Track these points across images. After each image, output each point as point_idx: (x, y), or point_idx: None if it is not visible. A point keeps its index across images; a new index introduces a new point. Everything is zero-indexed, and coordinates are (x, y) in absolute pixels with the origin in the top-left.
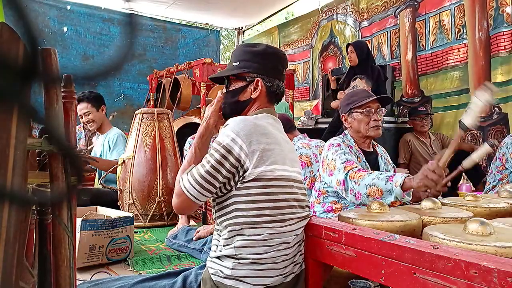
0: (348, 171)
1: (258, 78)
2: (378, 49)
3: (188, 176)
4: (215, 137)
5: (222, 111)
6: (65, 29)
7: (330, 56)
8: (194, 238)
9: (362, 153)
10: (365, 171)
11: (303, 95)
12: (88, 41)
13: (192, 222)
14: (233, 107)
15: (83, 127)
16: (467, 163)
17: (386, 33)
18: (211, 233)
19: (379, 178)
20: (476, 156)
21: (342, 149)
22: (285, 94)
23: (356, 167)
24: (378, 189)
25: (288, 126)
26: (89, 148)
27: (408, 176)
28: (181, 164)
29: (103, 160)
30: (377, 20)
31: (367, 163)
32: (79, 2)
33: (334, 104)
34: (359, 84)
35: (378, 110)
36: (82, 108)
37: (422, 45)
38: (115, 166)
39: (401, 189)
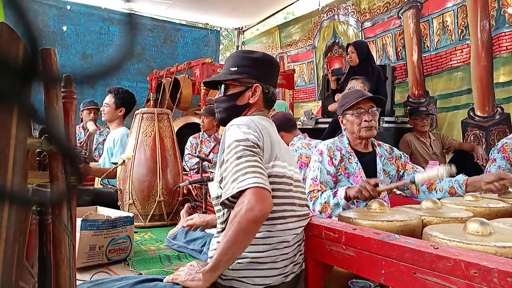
0: (311, 191)
1: (257, 84)
2: (383, 50)
3: (234, 184)
4: (217, 135)
5: (219, 116)
6: (64, 28)
7: (335, 57)
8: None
9: (354, 155)
10: (322, 191)
11: (310, 96)
12: (87, 40)
13: None
14: (230, 111)
15: (83, 127)
16: (419, 179)
17: (390, 34)
18: (207, 224)
19: (327, 195)
20: (427, 176)
21: (320, 161)
22: (285, 94)
23: (317, 189)
24: (327, 205)
25: (289, 124)
26: (86, 137)
27: (348, 187)
28: (181, 164)
29: (98, 168)
30: (380, 21)
31: (358, 164)
32: (79, 2)
33: (331, 107)
34: (355, 85)
35: (370, 110)
36: (106, 99)
37: (427, 46)
38: (110, 170)
39: (345, 200)
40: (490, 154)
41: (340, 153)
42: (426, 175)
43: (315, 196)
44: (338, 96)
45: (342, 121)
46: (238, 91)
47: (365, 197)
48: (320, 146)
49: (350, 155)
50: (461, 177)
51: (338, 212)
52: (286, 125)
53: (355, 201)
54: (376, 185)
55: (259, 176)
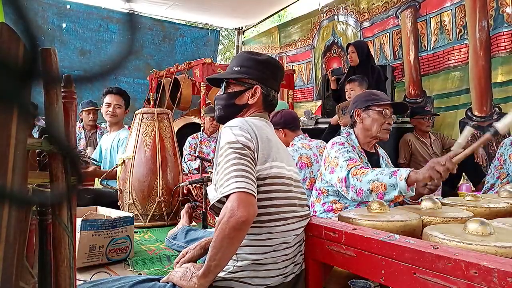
0: (351, 168)
1: (257, 86)
2: (381, 49)
3: (220, 189)
4: (216, 137)
5: (217, 113)
6: (63, 25)
7: (334, 57)
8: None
9: (364, 154)
10: (368, 168)
11: (308, 96)
12: (86, 37)
13: (192, 222)
14: (229, 109)
15: (83, 127)
16: (502, 127)
17: (387, 34)
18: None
19: (382, 173)
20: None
21: (346, 147)
22: (283, 93)
23: (359, 164)
24: (381, 184)
25: (294, 124)
26: (88, 150)
27: (413, 170)
28: (181, 165)
29: (98, 170)
30: (378, 21)
31: (369, 164)
32: (78, 2)
33: (334, 120)
34: (353, 87)
35: (391, 115)
36: (116, 99)
37: (424, 45)
38: (109, 171)
39: (406, 183)
40: (499, 149)
41: (354, 149)
42: (508, 119)
43: (362, 173)
44: (338, 108)
45: (359, 115)
46: (238, 90)
47: (439, 173)
48: (336, 139)
49: (362, 154)
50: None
51: (392, 196)
52: (290, 123)
53: (418, 187)
54: (450, 158)
55: (243, 180)
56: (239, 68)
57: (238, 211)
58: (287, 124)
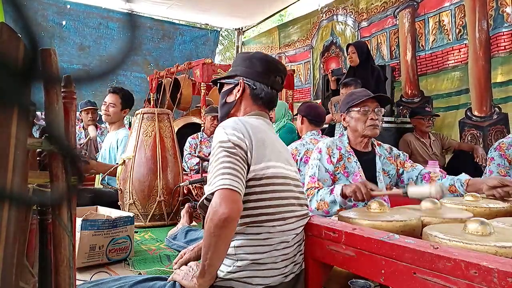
0: (308, 188)
1: (242, 80)
2: (378, 49)
3: (209, 187)
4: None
5: (218, 115)
6: (63, 22)
7: (332, 57)
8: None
9: (353, 154)
10: (319, 188)
11: (306, 96)
12: (86, 33)
13: (193, 222)
14: (222, 108)
15: (83, 127)
16: (412, 192)
17: (385, 33)
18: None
19: (323, 193)
20: (419, 192)
21: (319, 159)
22: (285, 94)
23: (313, 187)
24: (324, 202)
25: (314, 117)
26: (86, 140)
27: (345, 184)
28: (181, 164)
29: (101, 163)
30: (376, 21)
31: (358, 163)
32: (78, 2)
33: (328, 118)
34: (348, 91)
35: (376, 110)
36: (111, 99)
37: (422, 45)
38: (114, 167)
39: (342, 197)
40: (488, 154)
41: (339, 152)
42: (419, 190)
43: (311, 194)
44: (331, 104)
45: (344, 119)
46: (227, 88)
47: (358, 199)
48: (320, 144)
49: (350, 154)
50: (464, 177)
51: (335, 210)
52: (311, 115)
53: (352, 199)
54: (371, 189)
55: (228, 177)
56: (232, 68)
57: (220, 208)
58: (307, 114)
